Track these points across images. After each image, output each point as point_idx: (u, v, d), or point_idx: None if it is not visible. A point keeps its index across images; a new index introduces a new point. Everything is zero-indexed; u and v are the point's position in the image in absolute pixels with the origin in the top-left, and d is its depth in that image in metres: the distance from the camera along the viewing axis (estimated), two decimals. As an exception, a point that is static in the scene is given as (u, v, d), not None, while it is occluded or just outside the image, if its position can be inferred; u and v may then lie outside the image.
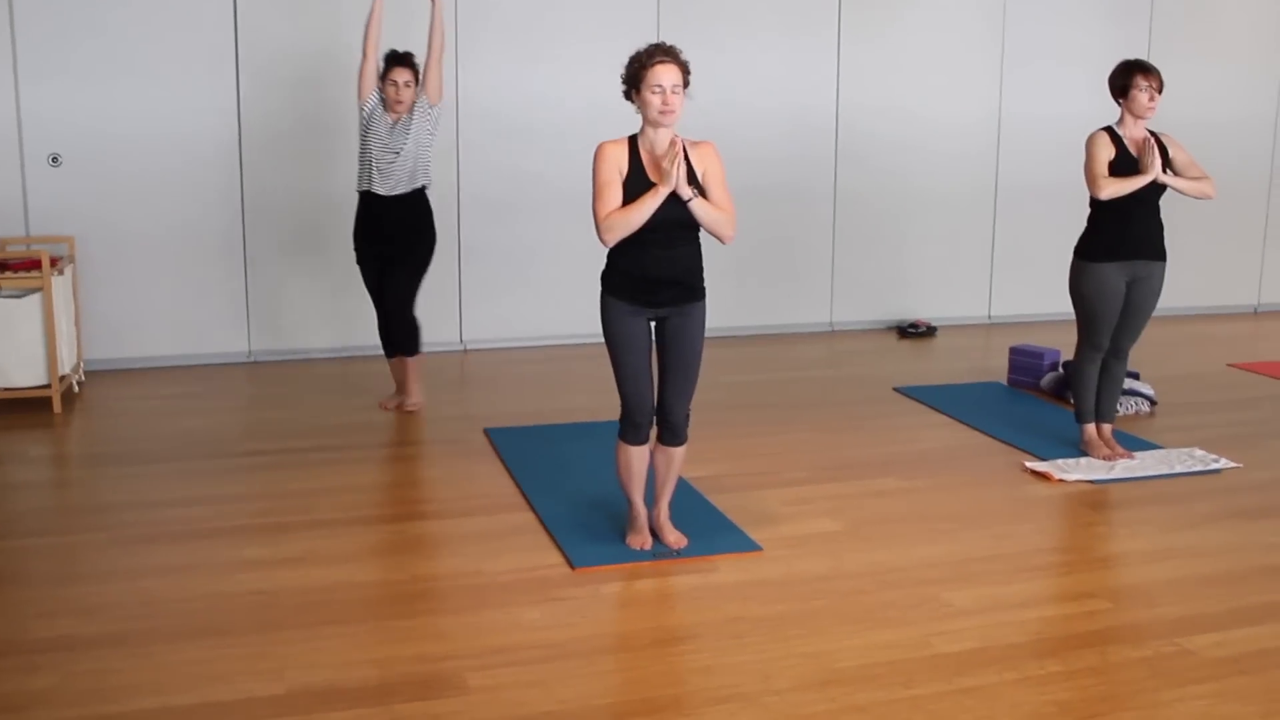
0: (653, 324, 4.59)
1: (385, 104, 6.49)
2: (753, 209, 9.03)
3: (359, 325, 8.23)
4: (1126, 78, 5.79)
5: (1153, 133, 5.90)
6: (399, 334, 6.77)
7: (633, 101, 4.46)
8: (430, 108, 6.51)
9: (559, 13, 8.50)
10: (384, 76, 6.46)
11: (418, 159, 6.52)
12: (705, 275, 4.64)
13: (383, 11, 6.50)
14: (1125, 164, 5.80)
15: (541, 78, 8.50)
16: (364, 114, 6.50)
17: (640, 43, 4.62)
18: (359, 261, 6.72)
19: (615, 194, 4.42)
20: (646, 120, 4.44)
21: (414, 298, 6.72)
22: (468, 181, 8.45)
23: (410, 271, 6.64)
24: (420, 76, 6.54)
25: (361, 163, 6.55)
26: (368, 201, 6.56)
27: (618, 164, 4.44)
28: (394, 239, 6.57)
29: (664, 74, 4.35)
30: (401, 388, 6.96)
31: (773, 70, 9.06)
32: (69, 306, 7.28)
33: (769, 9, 8.99)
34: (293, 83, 7.97)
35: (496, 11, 8.36)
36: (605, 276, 4.55)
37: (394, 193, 6.50)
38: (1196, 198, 5.83)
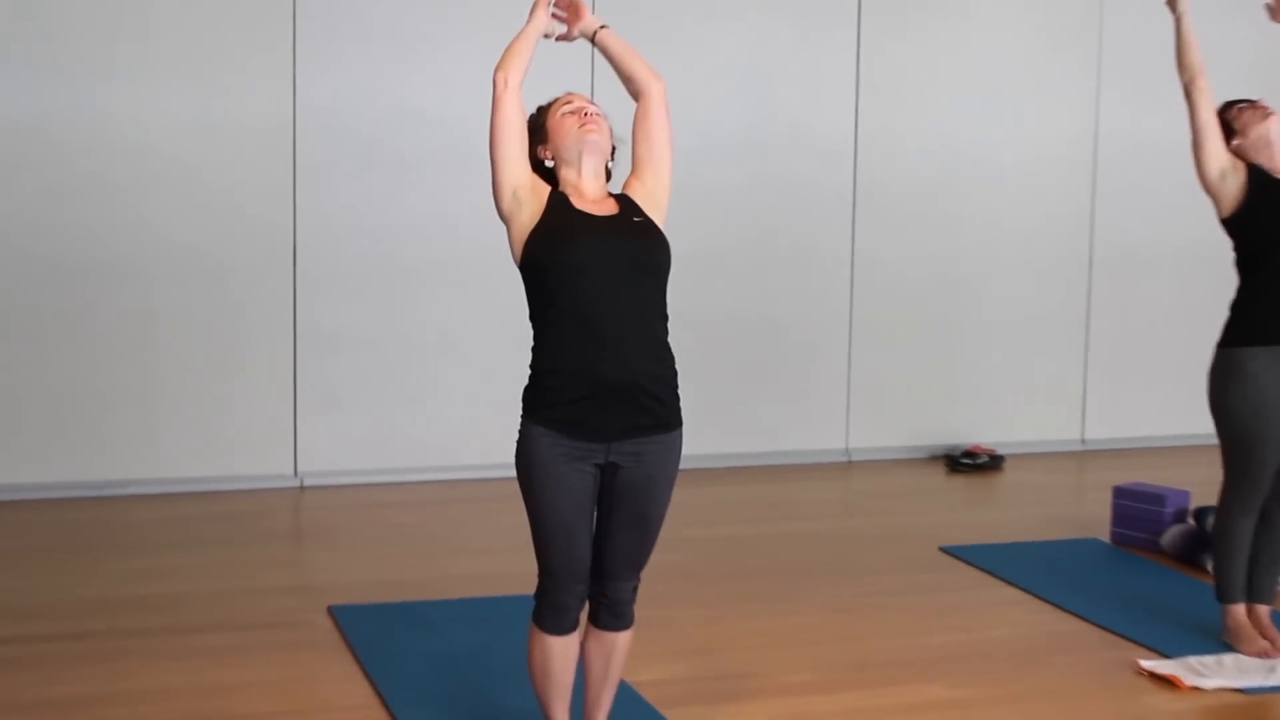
0: (598, 469, 4.59)
1: None
2: (727, 286, 9.15)
3: (112, 450, 8.32)
4: (1228, 111, 6.21)
5: None
6: None
7: (542, 163, 4.69)
8: None
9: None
10: None
11: None
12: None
13: None
14: (1271, 194, 6.02)
15: (419, 84, 8.62)
16: None
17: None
18: None
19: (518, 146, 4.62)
20: (565, 155, 4.65)
21: None
22: (309, 234, 8.52)
23: None
24: None
25: None
26: None
27: (539, 186, 4.63)
28: None
29: (572, 98, 4.74)
30: None
31: (754, 76, 9.15)
32: None
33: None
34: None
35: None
36: (530, 394, 4.57)
37: None
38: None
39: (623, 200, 4.64)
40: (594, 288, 4.45)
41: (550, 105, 4.70)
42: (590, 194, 4.59)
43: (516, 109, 4.54)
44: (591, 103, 4.69)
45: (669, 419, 4.58)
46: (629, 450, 4.52)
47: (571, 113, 4.62)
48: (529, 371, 4.55)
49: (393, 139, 8.54)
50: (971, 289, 9.77)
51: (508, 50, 4.61)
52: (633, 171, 4.74)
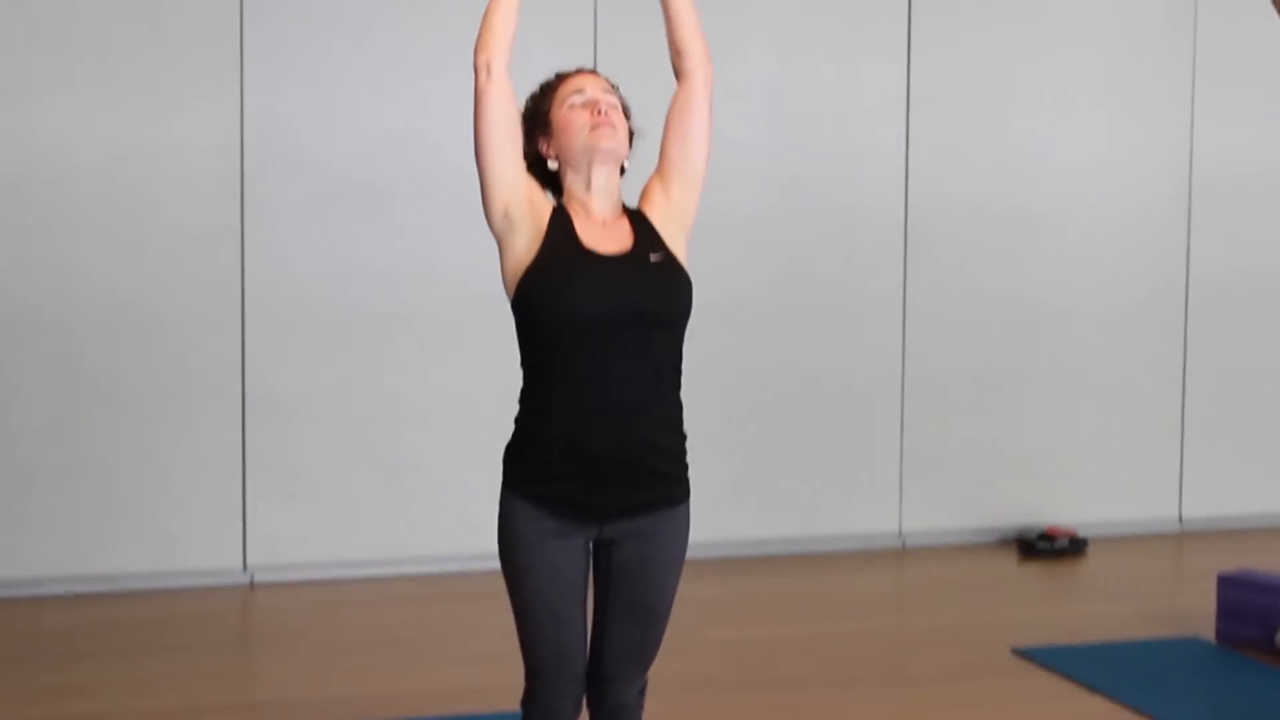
0: (591, 545, 4.60)
1: None
2: (755, 339, 9.22)
3: (25, 541, 8.22)
4: None
5: None
6: None
7: (544, 161, 4.56)
8: None
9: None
10: None
11: None
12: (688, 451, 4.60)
13: None
14: None
15: (390, 102, 8.57)
16: None
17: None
18: None
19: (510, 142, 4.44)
20: (571, 160, 4.50)
21: None
22: (260, 282, 8.45)
23: None
24: None
25: None
26: None
27: (540, 200, 4.51)
28: None
29: (584, 78, 4.57)
30: None
31: (786, 89, 9.15)
32: None
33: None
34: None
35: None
36: (511, 460, 4.56)
37: None
38: None
39: (638, 223, 4.51)
40: (596, 350, 4.41)
41: (555, 86, 4.54)
42: (599, 212, 4.48)
43: (505, 102, 4.37)
44: (608, 88, 4.53)
45: (674, 493, 4.55)
46: (626, 527, 4.50)
47: (583, 105, 4.45)
48: (513, 425, 4.52)
49: (359, 168, 8.46)
50: (1045, 342, 9.69)
51: (485, 19, 4.40)
52: (657, 173, 4.61)
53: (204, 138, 8.25)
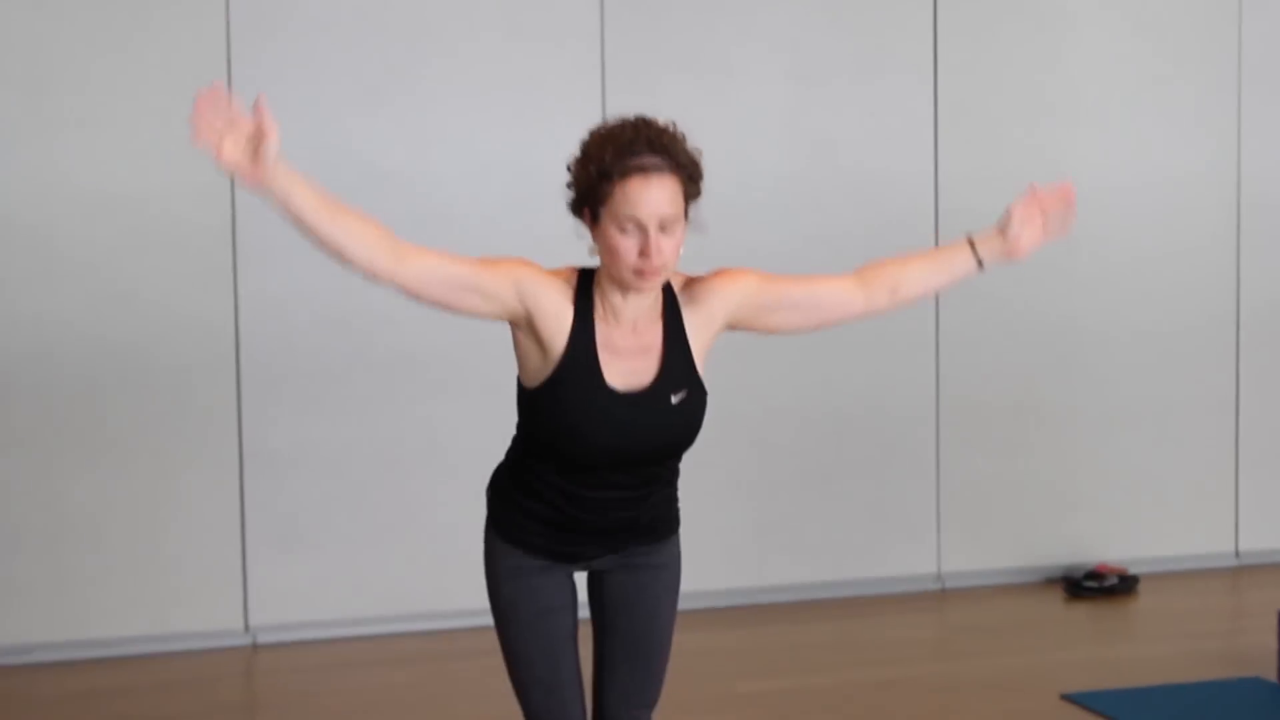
0: (581, 574, 4.69)
1: None
2: (782, 374, 9.20)
3: (11, 606, 8.23)
4: None
5: None
6: None
7: (584, 223, 4.44)
8: None
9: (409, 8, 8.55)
10: None
11: None
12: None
13: None
14: None
15: (384, 137, 8.54)
16: None
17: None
18: None
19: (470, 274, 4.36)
20: (611, 275, 4.39)
21: None
22: (255, 327, 8.48)
23: None
24: None
25: None
26: None
27: (552, 307, 4.38)
28: None
29: (646, 196, 4.26)
30: None
31: (805, 110, 9.15)
32: None
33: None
34: None
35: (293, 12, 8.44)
36: (494, 500, 4.67)
37: None
38: None
39: (671, 336, 4.45)
40: (600, 471, 4.49)
41: (614, 178, 4.23)
42: (630, 315, 4.40)
43: (433, 278, 4.31)
44: (669, 210, 4.23)
45: (656, 533, 4.66)
46: (615, 559, 4.63)
47: (634, 233, 4.23)
48: (504, 460, 4.68)
49: (355, 205, 8.29)
50: (1090, 368, 9.71)
51: (350, 260, 4.29)
52: (763, 282, 4.54)
53: (190, 178, 8.10)
